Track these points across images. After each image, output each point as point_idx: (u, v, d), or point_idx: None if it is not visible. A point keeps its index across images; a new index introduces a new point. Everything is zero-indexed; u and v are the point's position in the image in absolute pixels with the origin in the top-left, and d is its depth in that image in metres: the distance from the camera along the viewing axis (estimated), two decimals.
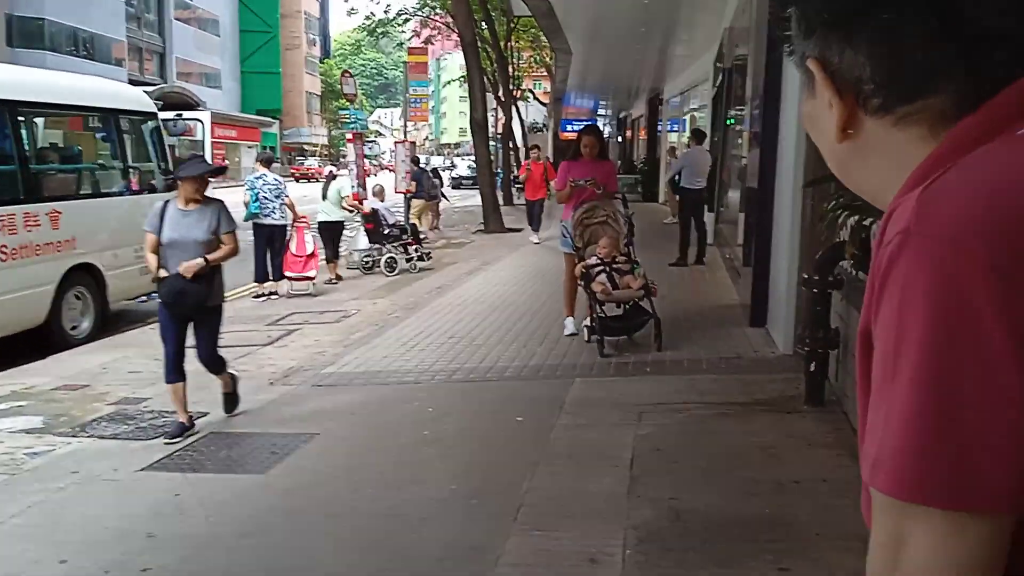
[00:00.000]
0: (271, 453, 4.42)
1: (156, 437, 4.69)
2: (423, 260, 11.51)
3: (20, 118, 7.49)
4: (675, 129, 20.68)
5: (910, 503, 0.61)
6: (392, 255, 11.16)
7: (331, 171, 12.65)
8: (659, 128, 24.03)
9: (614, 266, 6.45)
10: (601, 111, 37.47)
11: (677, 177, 11.36)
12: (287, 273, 9.79)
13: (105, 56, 35.76)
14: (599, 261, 6.44)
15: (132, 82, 29.82)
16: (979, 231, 0.60)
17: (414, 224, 12.44)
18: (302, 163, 52.87)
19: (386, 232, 11.31)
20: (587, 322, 6.57)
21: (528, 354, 6.38)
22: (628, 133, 35.37)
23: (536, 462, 4.09)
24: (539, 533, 3.31)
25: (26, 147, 7.54)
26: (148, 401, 5.42)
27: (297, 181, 38.97)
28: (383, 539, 3.35)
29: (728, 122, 11.06)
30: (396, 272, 11.00)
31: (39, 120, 8.39)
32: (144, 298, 9.45)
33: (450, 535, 3.34)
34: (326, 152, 65.48)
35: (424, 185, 15.93)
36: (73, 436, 4.71)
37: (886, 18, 0.68)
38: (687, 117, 18.74)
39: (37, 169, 7.78)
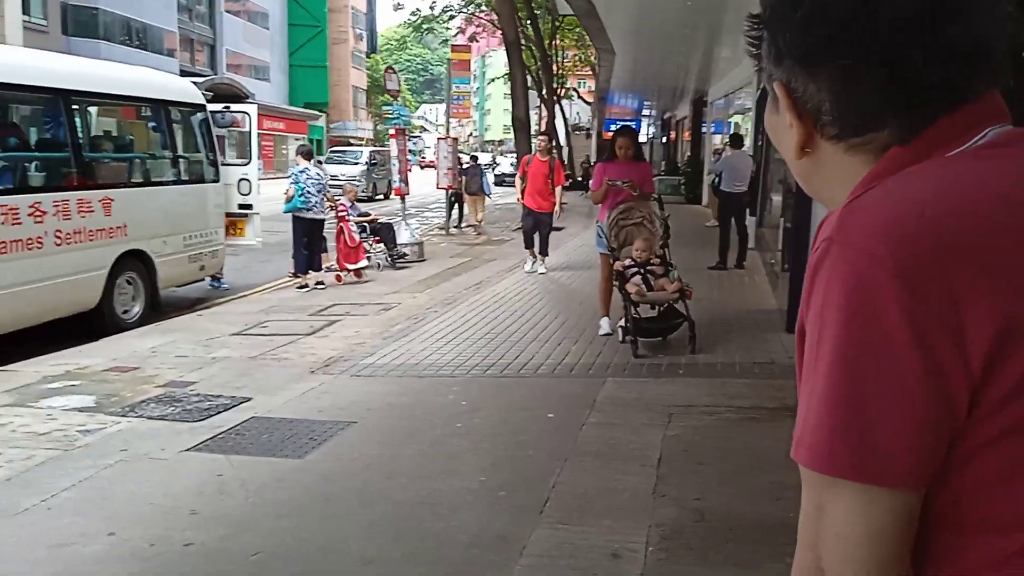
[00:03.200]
0: (309, 439, 4.57)
1: (202, 419, 4.87)
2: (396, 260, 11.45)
3: (74, 107, 7.74)
4: (719, 131, 20.57)
5: (826, 475, 0.71)
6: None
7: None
8: (703, 130, 23.91)
9: (648, 268, 6.50)
10: (645, 111, 37.31)
11: (717, 180, 11.35)
12: (347, 265, 10.05)
13: (157, 47, 36.56)
14: (634, 263, 6.50)
15: (183, 73, 30.47)
16: (885, 240, 0.70)
17: (387, 223, 11.97)
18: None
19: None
20: (622, 323, 6.64)
21: (562, 352, 6.47)
22: (672, 134, 35.19)
23: (565, 458, 4.18)
24: (564, 527, 3.40)
25: (80, 135, 7.80)
26: (194, 385, 5.61)
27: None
28: (414, 526, 3.47)
29: None
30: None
31: (92, 109, 8.67)
32: (215, 283, 9.75)
33: (478, 525, 3.44)
34: (372, 146, 66.10)
35: (472, 180, 16.19)
36: (123, 416, 4.91)
37: (846, 64, 0.77)
38: (732, 120, 18.65)
39: (90, 157, 8.05)
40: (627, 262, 6.55)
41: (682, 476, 3.89)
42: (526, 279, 10.33)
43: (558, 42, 31.81)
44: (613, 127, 28.40)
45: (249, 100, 13.35)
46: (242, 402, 5.24)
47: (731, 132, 15.19)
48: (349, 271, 10.26)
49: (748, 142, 12.09)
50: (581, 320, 7.57)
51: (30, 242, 6.76)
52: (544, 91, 29.87)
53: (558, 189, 10.67)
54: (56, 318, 7.10)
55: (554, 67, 31.65)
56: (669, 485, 3.78)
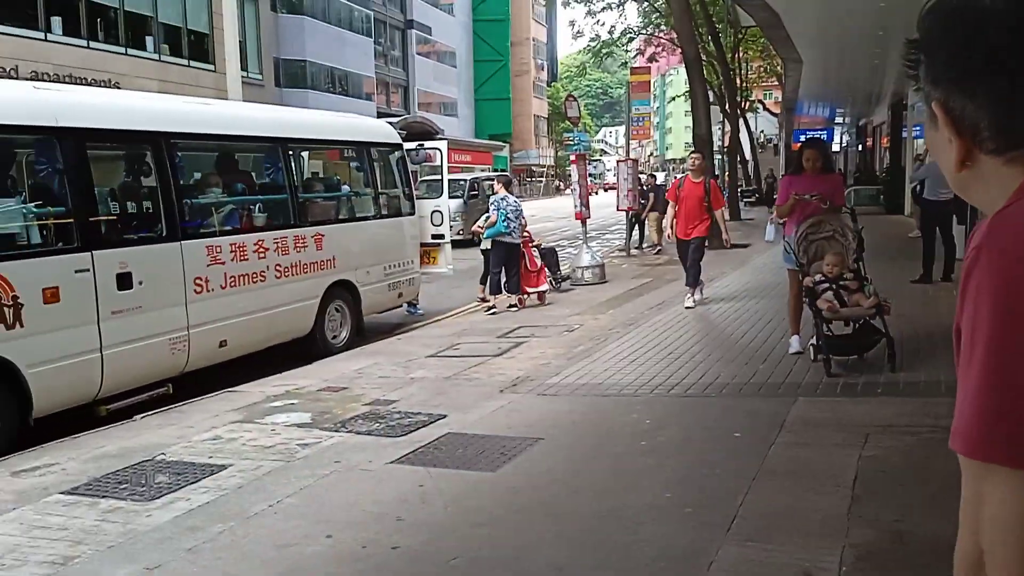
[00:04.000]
0: (500, 454, 4.81)
1: (404, 435, 5.26)
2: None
3: (290, 153, 8.62)
4: (921, 136, 19.21)
5: (982, 463, 0.75)
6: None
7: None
8: (903, 135, 22.42)
9: (841, 283, 6.24)
10: (838, 119, 35.52)
11: (919, 188, 10.64)
12: (528, 289, 10.43)
13: (357, 91, 39.44)
14: (824, 278, 6.28)
15: (380, 114, 32.69)
16: None
17: (550, 248, 11.85)
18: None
19: None
20: (813, 341, 6.41)
21: (749, 371, 6.35)
22: (869, 141, 33.22)
23: (752, 477, 4.13)
24: (752, 544, 3.38)
25: (295, 178, 8.67)
26: (396, 403, 6.05)
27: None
28: (602, 538, 3.58)
29: None
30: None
31: (304, 154, 9.59)
32: (411, 309, 10.42)
33: (664, 539, 3.50)
34: (552, 172, 67.47)
35: (659, 199, 16.25)
36: (335, 431, 5.40)
37: (1001, 84, 0.83)
38: None
39: (304, 197, 8.89)
40: (818, 277, 6.33)
41: (880, 498, 3.73)
42: (714, 296, 10.18)
43: (741, 55, 31.05)
44: (802, 138, 27.37)
45: (439, 136, 14.14)
46: (438, 419, 5.59)
47: None
48: (530, 295, 10.57)
49: None
50: (770, 339, 7.38)
51: (255, 276, 7.58)
52: (727, 106, 29.23)
53: (718, 213, 9.54)
54: (277, 343, 7.89)
55: (737, 80, 30.88)
56: (865, 507, 3.64)
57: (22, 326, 5.46)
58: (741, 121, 31.97)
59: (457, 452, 4.93)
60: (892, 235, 15.08)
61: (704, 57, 23.67)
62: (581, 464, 4.65)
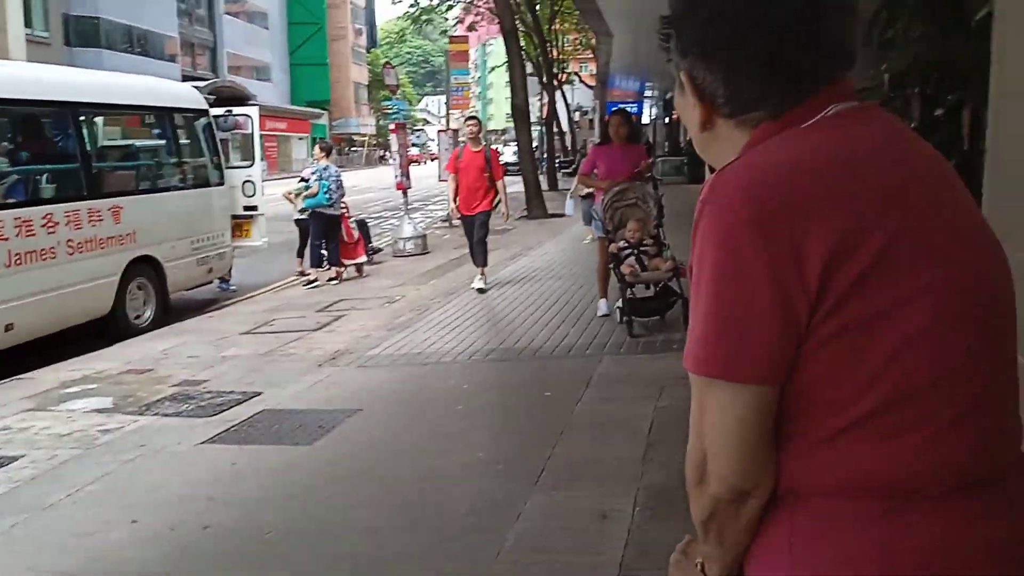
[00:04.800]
0: (318, 427, 4.79)
1: (215, 414, 5.10)
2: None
3: (81, 119, 7.97)
4: None
5: (705, 376, 0.92)
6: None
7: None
8: None
9: (642, 248, 6.66)
10: (648, 93, 37.28)
11: None
12: (345, 261, 10.26)
13: (159, 52, 36.83)
14: (628, 244, 6.67)
15: (185, 77, 30.71)
16: (741, 197, 0.92)
17: (362, 220, 11.68)
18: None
19: None
20: (619, 303, 6.81)
21: (561, 334, 6.67)
22: (675, 115, 35.16)
23: (560, 432, 4.38)
24: (556, 492, 3.61)
25: (88, 146, 8.04)
26: (207, 383, 5.84)
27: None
28: (416, 499, 3.68)
29: None
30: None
31: (99, 120, 8.88)
32: (223, 284, 9.96)
33: (477, 496, 3.65)
34: (374, 142, 66.37)
35: None
36: (140, 415, 5.15)
37: (736, 55, 0.99)
38: None
39: (98, 167, 8.27)
40: (621, 243, 6.71)
41: (670, 444, 4.07)
42: (530, 265, 10.51)
43: (558, 27, 31.83)
44: (613, 110, 28.55)
45: (251, 102, 13.52)
46: (253, 396, 5.47)
47: None
48: (348, 267, 10.43)
49: None
50: (580, 303, 7.76)
51: (43, 252, 7.00)
52: (544, 77, 29.95)
53: (500, 183, 8.86)
54: (72, 325, 7.35)
55: (554, 52, 31.68)
56: (657, 452, 3.97)
57: None
58: (558, 93, 32.88)
59: (273, 428, 4.86)
60: (693, 203, 16.17)
61: (522, 28, 24.07)
62: (399, 432, 4.73)
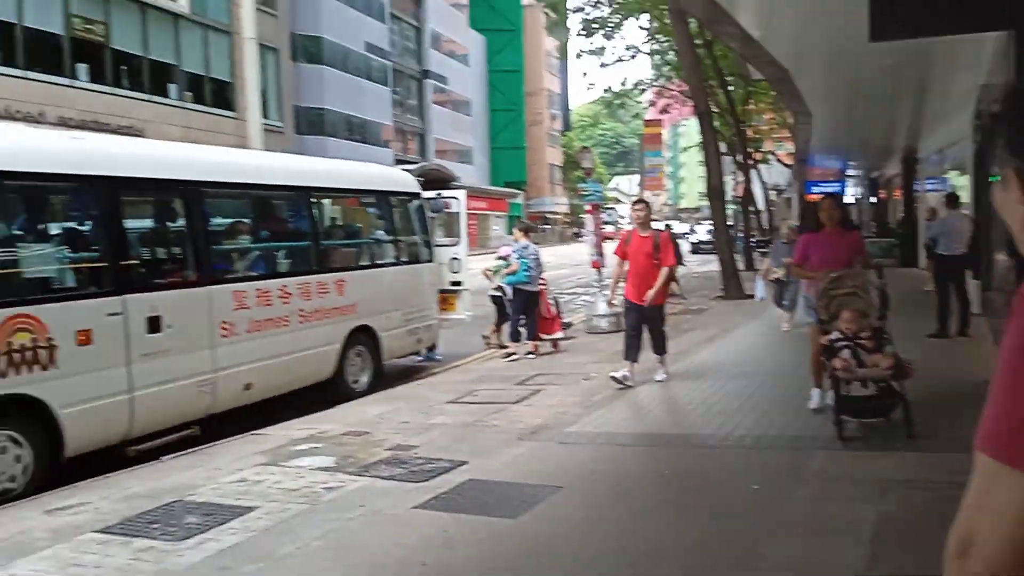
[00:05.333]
0: (521, 501, 4.89)
1: (425, 480, 5.34)
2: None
3: (313, 201, 8.85)
4: (933, 189, 19.38)
5: (997, 461, 0.92)
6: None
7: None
8: (916, 188, 22.59)
9: (859, 341, 6.19)
10: (850, 172, 35.73)
11: (932, 243, 10.77)
12: (542, 335, 10.54)
13: (374, 139, 40.17)
14: (842, 336, 6.24)
15: (397, 161, 33.18)
16: None
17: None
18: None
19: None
20: (830, 399, 6.33)
21: (767, 423, 6.42)
22: (882, 194, 33.40)
23: (772, 531, 4.19)
24: None
25: (318, 226, 8.89)
26: (417, 448, 6.14)
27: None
28: None
29: (992, 179, 10.36)
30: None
31: (327, 202, 9.82)
32: (420, 358, 10.58)
33: None
34: (567, 220, 68.04)
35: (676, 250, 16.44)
36: (359, 475, 5.50)
37: None
38: (947, 175, 17.55)
39: (326, 244, 9.10)
40: (835, 335, 6.28)
41: (898, 552, 3.79)
42: (728, 347, 10.25)
43: (752, 107, 31.48)
44: (815, 189, 27.65)
45: (456, 183, 14.36)
46: (459, 465, 5.67)
47: (947, 193, 14.27)
48: (545, 341, 10.68)
49: (966, 198, 11.40)
50: (788, 391, 7.42)
51: (279, 320, 7.75)
52: (739, 157, 29.56)
53: (664, 270, 8.15)
54: (300, 387, 8.01)
55: (748, 132, 31.27)
56: (883, 561, 3.70)
57: (55, 367, 5.62)
58: (754, 172, 32.28)
59: (478, 498, 5.01)
60: (907, 288, 15.14)
61: (715, 109, 24.04)
62: (599, 513, 4.72)
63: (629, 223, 8.97)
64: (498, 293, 11.16)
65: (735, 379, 8.28)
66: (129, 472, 5.78)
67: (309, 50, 35.11)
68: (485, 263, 11.39)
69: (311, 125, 35.46)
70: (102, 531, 4.52)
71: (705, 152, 18.71)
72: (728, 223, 20.90)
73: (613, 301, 8.90)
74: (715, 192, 18.19)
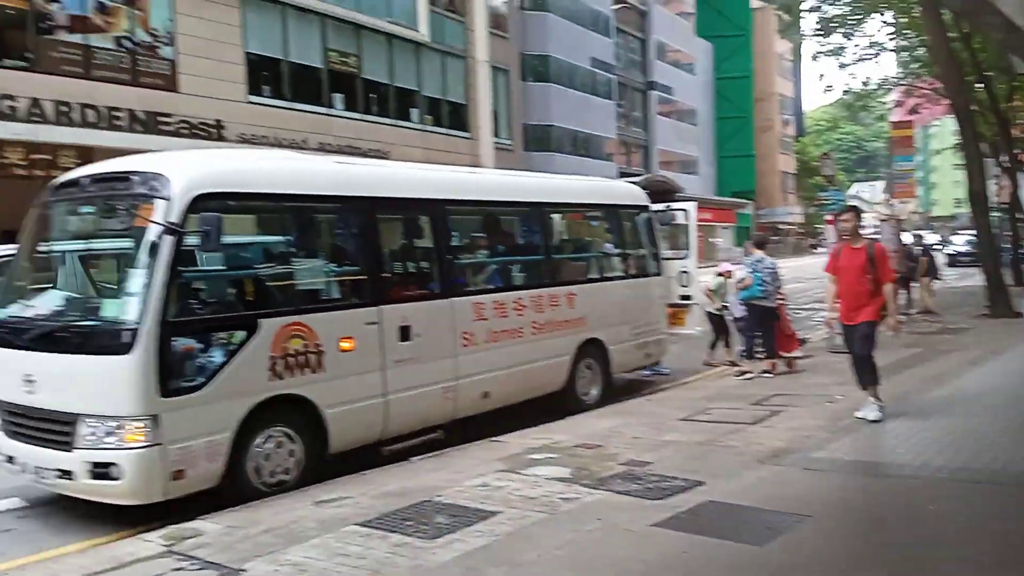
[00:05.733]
0: (766, 528, 4.67)
1: (661, 498, 5.26)
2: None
3: (546, 217, 9.05)
4: None
5: None
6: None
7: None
8: None
9: None
10: None
11: None
12: (782, 353, 10.08)
13: (598, 152, 40.58)
14: None
15: (621, 174, 33.26)
16: None
17: None
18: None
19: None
20: None
21: None
22: None
23: None
24: None
25: (550, 240, 9.08)
26: (651, 465, 6.07)
27: None
28: None
29: None
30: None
31: (558, 216, 10.02)
32: (647, 372, 10.54)
33: None
34: (800, 231, 64.59)
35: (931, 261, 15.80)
36: (594, 488, 5.53)
37: None
38: None
39: (558, 258, 9.28)
40: None
41: None
42: (1000, 370, 9.18)
43: (1017, 103, 28.07)
44: None
45: (681, 194, 14.13)
46: (696, 485, 5.53)
47: None
48: (784, 359, 10.17)
49: None
50: None
51: (514, 331, 8.01)
52: (1003, 159, 26.47)
53: (887, 288, 7.31)
54: (532, 397, 8.23)
55: (1013, 131, 27.90)
56: None
57: (323, 371, 6.18)
58: (1021, 175, 28.76)
59: (718, 521, 4.85)
60: None
61: (974, 107, 21.71)
62: (854, 550, 4.39)
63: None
64: (719, 312, 10.91)
65: (1006, 408, 7.38)
66: (381, 471, 6.22)
67: (537, 69, 36.23)
68: (706, 279, 11.08)
69: (538, 142, 36.49)
70: (363, 524, 4.90)
71: (964, 154, 16.97)
72: (992, 232, 18.77)
73: (831, 323, 8.00)
74: (977, 198, 16.41)
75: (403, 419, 6.81)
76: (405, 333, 6.84)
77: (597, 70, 40.74)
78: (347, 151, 21.45)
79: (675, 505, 5.13)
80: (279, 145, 20.13)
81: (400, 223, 7.80)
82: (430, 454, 6.68)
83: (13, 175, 15.95)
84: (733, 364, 10.62)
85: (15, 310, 6.01)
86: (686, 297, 10.65)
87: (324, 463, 6.19)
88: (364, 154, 21.40)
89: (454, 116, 28.05)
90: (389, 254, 7.33)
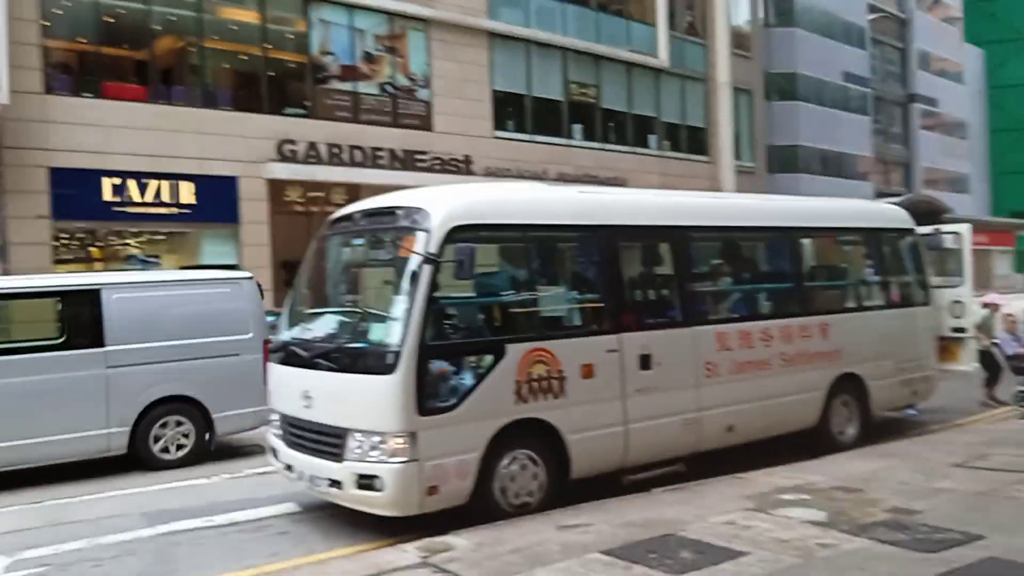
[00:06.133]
0: None
1: (934, 551, 4.74)
2: None
3: (796, 242, 8.55)
4: None
5: None
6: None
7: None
8: None
9: None
10: None
11: None
12: None
13: (850, 172, 37.92)
14: None
15: (879, 194, 30.84)
16: None
17: None
18: None
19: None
20: None
21: None
22: None
23: None
24: None
25: (800, 267, 8.58)
26: (920, 514, 5.49)
27: None
28: None
29: None
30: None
31: (807, 242, 9.42)
32: (912, 411, 9.65)
33: None
34: None
35: None
36: (854, 535, 5.10)
37: None
38: None
39: (809, 286, 8.73)
40: None
41: None
42: None
43: None
44: None
45: (949, 215, 12.81)
46: (975, 539, 4.93)
47: None
48: None
49: None
50: None
51: (760, 363, 7.63)
52: None
53: None
54: (780, 433, 7.79)
55: None
56: None
57: (565, 396, 6.27)
58: None
59: None
60: None
61: None
62: None
63: None
64: (989, 348, 9.77)
65: None
66: (622, 500, 6.18)
67: (782, 87, 34.74)
68: (975, 317, 9.93)
69: (783, 163, 34.86)
70: (605, 552, 4.89)
71: None
72: None
73: None
74: None
75: (643, 449, 6.72)
76: (646, 362, 6.76)
77: (850, 84, 38.28)
78: (585, 180, 21.85)
79: (950, 560, 4.60)
80: (520, 176, 20.95)
81: (642, 250, 7.75)
82: (671, 486, 6.53)
83: (292, 211, 18.03)
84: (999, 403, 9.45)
85: (296, 332, 6.73)
86: (959, 329, 9.61)
87: (565, 489, 6.26)
88: (602, 182, 21.63)
89: (692, 140, 27.62)
90: (630, 282, 7.30)
